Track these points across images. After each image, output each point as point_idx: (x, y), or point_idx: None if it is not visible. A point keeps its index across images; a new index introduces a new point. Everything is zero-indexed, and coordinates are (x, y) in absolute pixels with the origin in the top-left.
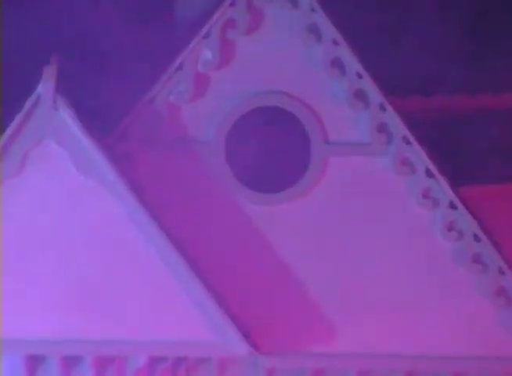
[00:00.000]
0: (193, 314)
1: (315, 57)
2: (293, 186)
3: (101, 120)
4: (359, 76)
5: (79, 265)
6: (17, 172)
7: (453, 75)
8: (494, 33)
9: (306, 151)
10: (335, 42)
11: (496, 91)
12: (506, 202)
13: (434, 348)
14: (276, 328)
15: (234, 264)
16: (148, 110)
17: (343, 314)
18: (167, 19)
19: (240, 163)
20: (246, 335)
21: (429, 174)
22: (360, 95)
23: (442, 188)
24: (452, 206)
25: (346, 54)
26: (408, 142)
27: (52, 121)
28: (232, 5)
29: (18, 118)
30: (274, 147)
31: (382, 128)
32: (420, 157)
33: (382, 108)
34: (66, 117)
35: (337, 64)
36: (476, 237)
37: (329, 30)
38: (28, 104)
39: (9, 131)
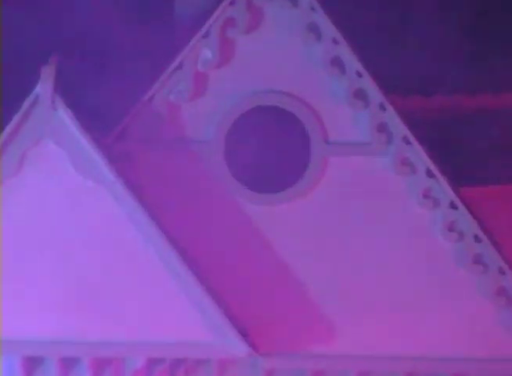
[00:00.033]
0: (192, 315)
1: (314, 56)
2: (293, 186)
3: (100, 119)
4: (359, 75)
5: (77, 265)
6: (15, 172)
7: (453, 75)
8: (494, 33)
9: (306, 151)
10: (335, 41)
11: (496, 91)
12: (506, 202)
13: (434, 349)
14: (276, 329)
15: (233, 264)
16: (147, 110)
17: (343, 315)
18: (166, 18)
19: (240, 162)
20: (246, 336)
21: (429, 174)
22: (360, 95)
23: (443, 188)
24: (453, 206)
25: (346, 53)
26: (408, 142)
27: (50, 121)
28: (231, 3)
29: (16, 118)
30: (274, 147)
31: (382, 128)
32: (420, 156)
33: (382, 108)
34: (64, 117)
35: (337, 63)
36: (476, 238)
37: (329, 29)
38: (26, 104)
39: (7, 131)
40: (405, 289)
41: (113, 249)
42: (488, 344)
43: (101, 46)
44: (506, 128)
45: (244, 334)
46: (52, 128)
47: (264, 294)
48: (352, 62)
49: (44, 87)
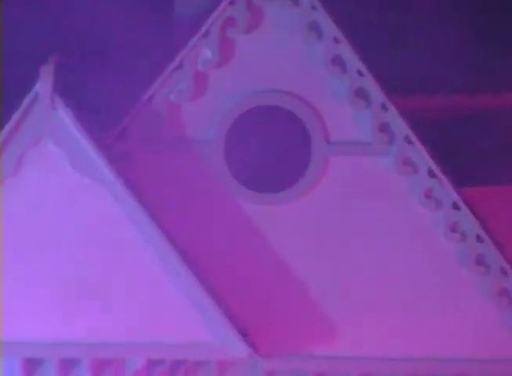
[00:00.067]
0: (192, 316)
1: (315, 55)
2: (294, 186)
3: (100, 119)
4: (360, 74)
5: (77, 266)
6: (15, 172)
7: (453, 75)
8: (494, 33)
9: (307, 150)
10: (336, 40)
11: (496, 91)
12: (506, 203)
13: (436, 349)
14: (276, 330)
15: (233, 264)
16: (147, 109)
17: (344, 315)
18: (166, 18)
19: (240, 162)
20: (246, 337)
21: (431, 174)
22: (361, 94)
23: (445, 188)
24: (456, 207)
25: (347, 52)
26: (410, 142)
27: (49, 121)
28: (231, 3)
29: (15, 117)
30: (274, 146)
31: (384, 128)
32: (422, 156)
33: (384, 107)
34: (63, 116)
35: (338, 62)
36: (479, 238)
37: (329, 27)
38: (26, 103)
39: (6, 130)
40: (406, 289)
41: (113, 249)
42: (490, 344)
43: (101, 46)
44: (506, 128)
45: (244, 334)
46: (51, 127)
47: (264, 294)
48: (353, 61)
49: (43, 86)
